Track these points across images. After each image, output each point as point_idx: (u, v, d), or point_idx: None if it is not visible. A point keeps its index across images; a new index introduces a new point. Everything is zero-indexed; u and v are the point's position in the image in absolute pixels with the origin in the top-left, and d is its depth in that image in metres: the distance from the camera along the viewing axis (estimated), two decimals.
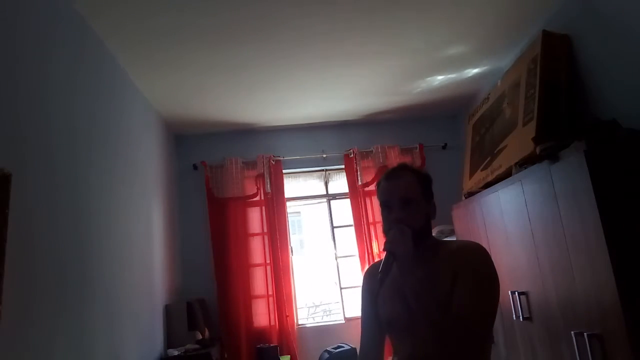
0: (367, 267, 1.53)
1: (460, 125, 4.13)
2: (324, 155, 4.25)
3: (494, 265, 1.33)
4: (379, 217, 4.14)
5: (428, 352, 1.29)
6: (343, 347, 3.65)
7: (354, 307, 4.03)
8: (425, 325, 1.26)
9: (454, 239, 3.40)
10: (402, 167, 1.43)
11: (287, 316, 3.90)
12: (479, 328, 1.25)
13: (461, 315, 1.22)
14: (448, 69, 3.41)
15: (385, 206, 1.39)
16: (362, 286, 1.57)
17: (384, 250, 1.31)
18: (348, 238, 4.28)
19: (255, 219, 4.11)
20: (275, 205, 4.10)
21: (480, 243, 2.99)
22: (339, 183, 4.43)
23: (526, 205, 2.28)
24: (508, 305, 2.51)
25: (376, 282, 1.34)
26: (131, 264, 2.67)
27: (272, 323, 3.91)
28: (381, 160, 4.18)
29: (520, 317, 2.40)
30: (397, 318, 1.37)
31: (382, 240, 4.27)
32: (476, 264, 1.31)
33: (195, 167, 4.13)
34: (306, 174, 4.41)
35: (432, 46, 3.02)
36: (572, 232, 1.91)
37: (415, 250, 1.29)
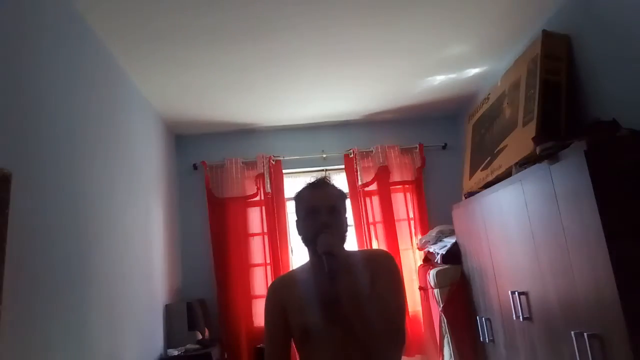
0: (277, 278, 1.62)
1: (460, 125, 4.13)
2: (324, 155, 4.25)
3: (399, 268, 1.55)
4: (379, 217, 4.16)
5: (348, 355, 1.37)
6: None
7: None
8: (349, 327, 1.34)
9: (454, 239, 3.40)
10: (326, 181, 1.56)
11: None
12: (399, 324, 1.40)
13: (384, 314, 1.34)
14: (448, 69, 3.41)
15: (311, 213, 1.46)
16: (270, 302, 1.55)
17: (321, 252, 1.38)
18: (348, 238, 4.27)
19: (255, 219, 4.11)
20: (275, 205, 4.10)
21: (480, 243, 3.00)
22: (339, 183, 4.41)
23: (526, 205, 2.28)
24: (508, 305, 2.51)
25: (291, 293, 1.48)
26: (131, 264, 2.67)
27: None
28: (381, 160, 4.18)
29: (520, 317, 2.40)
30: (317, 324, 1.40)
31: (383, 240, 4.24)
32: (388, 268, 1.47)
33: (195, 167, 4.13)
34: (306, 174, 4.41)
35: (432, 46, 3.02)
36: (572, 232, 1.91)
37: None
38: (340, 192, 1.53)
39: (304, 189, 1.54)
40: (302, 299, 1.46)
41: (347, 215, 1.54)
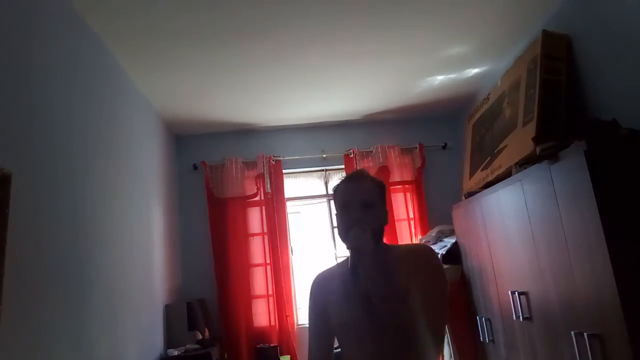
0: (319, 273, 1.58)
1: (460, 125, 4.13)
2: (324, 155, 4.25)
3: (442, 265, 1.49)
4: None
5: (386, 353, 1.34)
6: None
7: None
8: (385, 324, 1.32)
9: (454, 239, 3.40)
10: (362, 173, 1.50)
11: (287, 316, 3.90)
12: (437, 322, 1.36)
13: (421, 311, 1.30)
14: (448, 69, 3.41)
15: (344, 208, 1.43)
16: (312, 298, 1.56)
17: (348, 248, 1.36)
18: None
19: (255, 219, 4.11)
20: (275, 205, 4.09)
21: (480, 243, 3.00)
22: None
23: (526, 205, 2.28)
24: (508, 305, 2.51)
25: (332, 288, 1.44)
26: (131, 264, 2.67)
27: (272, 323, 3.91)
28: (381, 160, 4.18)
29: (520, 317, 2.40)
30: (355, 320, 1.39)
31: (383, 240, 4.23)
32: (428, 263, 1.42)
33: (195, 167, 4.13)
34: (306, 173, 4.41)
35: (432, 46, 3.02)
36: (572, 232, 1.91)
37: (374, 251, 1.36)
38: (375, 185, 1.46)
39: (340, 182, 1.50)
40: (339, 294, 1.43)
41: (385, 208, 1.48)
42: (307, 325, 1.56)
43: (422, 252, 1.48)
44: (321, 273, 1.60)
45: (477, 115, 3.48)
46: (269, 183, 4.09)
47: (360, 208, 1.39)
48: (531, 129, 2.45)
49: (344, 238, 1.40)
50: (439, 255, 3.42)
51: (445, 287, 1.44)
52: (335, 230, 4.34)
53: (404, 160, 4.26)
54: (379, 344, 1.35)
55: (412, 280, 1.34)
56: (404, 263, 1.39)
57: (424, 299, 1.31)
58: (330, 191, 4.42)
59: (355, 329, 1.39)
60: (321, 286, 1.55)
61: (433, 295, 1.35)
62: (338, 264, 1.59)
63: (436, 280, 1.40)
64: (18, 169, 1.47)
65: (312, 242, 4.21)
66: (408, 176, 4.23)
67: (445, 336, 3.23)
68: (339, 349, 1.50)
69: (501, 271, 2.63)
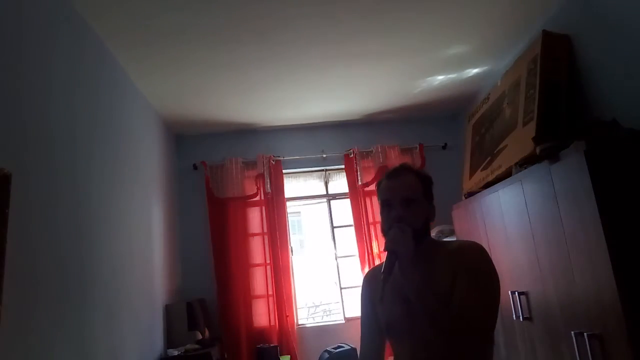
0: (366, 269, 1.53)
1: (460, 125, 4.13)
2: (324, 155, 4.25)
3: (493, 263, 1.35)
4: (378, 217, 4.12)
5: (429, 354, 1.28)
6: (343, 347, 3.65)
7: (354, 307, 4.03)
8: (426, 325, 1.25)
9: (454, 239, 3.40)
10: (405, 167, 1.43)
11: (287, 316, 3.90)
12: (479, 326, 1.25)
13: (462, 314, 1.22)
14: (448, 69, 3.41)
15: (385, 205, 1.39)
16: (362, 291, 1.56)
17: (385, 249, 1.31)
18: (348, 238, 4.28)
19: (255, 219, 4.11)
20: (275, 205, 4.10)
21: (481, 243, 2.99)
22: (339, 183, 4.43)
23: (526, 205, 2.28)
24: (508, 305, 2.51)
25: (378, 285, 1.33)
26: (131, 264, 2.67)
27: (272, 323, 3.91)
28: (381, 160, 4.18)
29: (520, 317, 2.40)
30: (397, 320, 1.36)
31: (382, 240, 4.27)
32: (475, 262, 1.32)
33: (195, 167, 4.13)
34: (306, 174, 4.41)
35: (432, 46, 3.02)
36: (572, 232, 1.91)
37: (415, 250, 1.29)
38: (417, 180, 1.39)
39: (383, 178, 1.45)
40: (386, 292, 1.36)
41: (431, 201, 1.41)
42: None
43: (468, 248, 1.38)
44: (373, 268, 1.59)
45: (477, 115, 3.48)
46: (269, 183, 4.10)
47: (401, 206, 1.34)
48: (531, 129, 2.45)
49: (385, 237, 1.35)
50: None
51: (493, 288, 1.33)
52: (335, 230, 4.35)
53: (404, 160, 4.25)
54: (420, 346, 1.30)
55: (456, 280, 1.27)
56: (449, 261, 1.32)
57: (467, 301, 1.23)
58: (331, 191, 4.43)
59: (395, 327, 1.37)
60: (369, 281, 1.54)
61: (477, 297, 1.25)
62: None
63: (482, 281, 1.30)
64: (18, 169, 1.47)
65: (312, 242, 4.21)
66: None
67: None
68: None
69: (501, 271, 2.61)
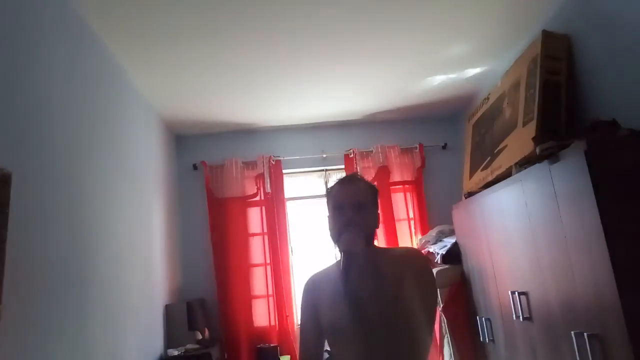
0: (313, 274, 1.60)
1: (460, 125, 4.13)
2: (324, 155, 4.25)
3: (432, 269, 1.50)
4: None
5: (376, 354, 1.34)
6: None
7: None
8: (376, 327, 1.32)
9: (454, 239, 3.40)
10: (355, 176, 1.54)
11: (287, 316, 3.90)
12: (426, 327, 1.37)
13: (412, 316, 1.32)
14: (448, 69, 3.41)
15: (337, 210, 1.44)
16: (304, 298, 1.58)
17: (341, 251, 1.37)
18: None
19: (255, 219, 4.11)
20: (275, 205, 4.10)
21: (480, 243, 2.99)
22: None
23: (526, 205, 2.28)
24: (508, 305, 2.51)
25: (324, 290, 1.45)
26: (131, 264, 2.67)
27: (272, 323, 3.91)
28: (381, 160, 4.18)
29: (520, 317, 2.40)
30: (345, 323, 1.39)
31: (383, 240, 4.25)
32: (420, 268, 1.44)
33: (195, 167, 4.13)
34: (306, 174, 4.41)
35: (432, 46, 3.02)
36: (572, 232, 1.91)
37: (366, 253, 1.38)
38: (369, 187, 1.49)
39: (333, 185, 1.52)
40: (331, 296, 1.44)
41: (378, 211, 1.50)
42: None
43: (413, 256, 1.50)
44: (314, 274, 1.62)
45: (477, 115, 3.48)
46: (269, 183, 4.10)
47: (353, 210, 1.41)
48: (531, 129, 2.45)
49: (336, 240, 1.42)
50: (439, 256, 3.42)
51: (435, 291, 1.47)
52: None
53: (404, 160, 4.26)
54: (369, 346, 1.36)
55: (402, 284, 1.36)
56: (394, 267, 1.41)
57: (413, 302, 1.33)
58: None
59: (346, 331, 1.40)
60: (314, 287, 1.57)
61: (422, 299, 1.37)
62: (331, 266, 1.59)
63: (426, 285, 1.42)
64: (18, 169, 1.47)
65: (312, 242, 4.21)
66: (408, 176, 4.23)
67: (445, 336, 3.23)
68: (329, 350, 1.51)
69: (501, 271, 2.63)
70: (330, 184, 1.54)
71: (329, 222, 1.48)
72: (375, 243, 1.54)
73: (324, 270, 1.61)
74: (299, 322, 1.58)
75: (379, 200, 1.52)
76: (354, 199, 1.42)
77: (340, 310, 1.40)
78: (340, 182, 1.51)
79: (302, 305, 1.57)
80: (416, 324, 1.33)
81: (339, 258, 1.49)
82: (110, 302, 2.29)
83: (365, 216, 1.42)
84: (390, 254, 1.51)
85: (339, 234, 1.39)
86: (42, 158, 1.75)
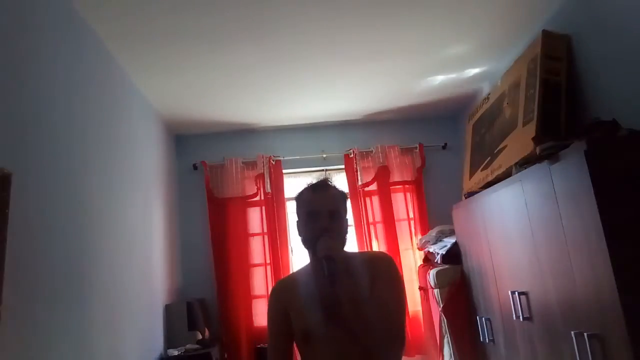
0: (280, 280, 1.62)
1: (460, 125, 4.13)
2: (324, 155, 4.25)
3: (399, 271, 1.55)
4: (379, 217, 4.16)
5: (350, 356, 1.37)
6: None
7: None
8: (354, 328, 1.35)
9: (454, 239, 3.40)
10: (328, 183, 1.56)
11: None
12: (399, 328, 1.42)
13: (384, 318, 1.36)
14: (448, 69, 3.41)
15: (311, 216, 1.46)
16: (271, 303, 1.58)
17: (321, 256, 1.39)
18: (348, 238, 4.27)
19: (255, 219, 4.11)
20: (275, 205, 4.10)
21: (480, 243, 2.99)
22: (339, 183, 4.41)
23: (526, 205, 2.28)
24: (508, 305, 2.51)
25: (294, 295, 1.49)
26: (131, 264, 2.67)
27: None
28: (381, 160, 4.18)
29: (520, 317, 2.40)
30: (318, 327, 1.41)
31: (383, 240, 4.24)
32: (388, 272, 1.48)
33: (195, 167, 4.13)
34: (306, 174, 4.41)
35: (432, 46, 3.02)
36: (572, 232, 1.90)
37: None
38: (341, 193, 1.53)
39: (304, 190, 1.54)
40: (303, 301, 1.47)
41: (347, 216, 1.54)
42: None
43: (380, 260, 1.54)
44: (282, 280, 1.67)
45: (477, 115, 3.48)
46: (269, 183, 4.10)
47: (328, 216, 1.44)
48: (531, 129, 2.45)
49: (311, 246, 1.44)
50: (439, 256, 3.42)
51: (403, 293, 1.52)
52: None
53: (404, 160, 4.26)
54: (346, 349, 1.38)
55: (372, 286, 1.41)
56: (365, 269, 1.45)
57: (383, 304, 1.38)
58: None
59: (322, 335, 1.41)
60: (283, 293, 1.57)
61: (391, 300, 1.41)
62: (299, 271, 1.61)
63: (394, 287, 1.46)
64: (18, 169, 1.47)
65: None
66: (408, 176, 4.23)
67: (445, 336, 3.23)
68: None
69: (501, 271, 2.63)
70: (299, 189, 1.57)
71: (300, 227, 1.51)
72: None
73: (292, 275, 1.65)
74: (267, 328, 1.58)
75: (347, 206, 1.57)
76: (329, 206, 1.46)
77: (315, 313, 1.42)
78: (313, 188, 1.53)
79: (271, 311, 1.57)
80: (389, 324, 1.37)
81: (307, 263, 1.54)
82: (111, 302, 2.29)
83: (339, 223, 1.47)
84: (360, 258, 1.56)
85: (314, 240, 1.42)
86: (42, 158, 1.75)
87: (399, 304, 1.45)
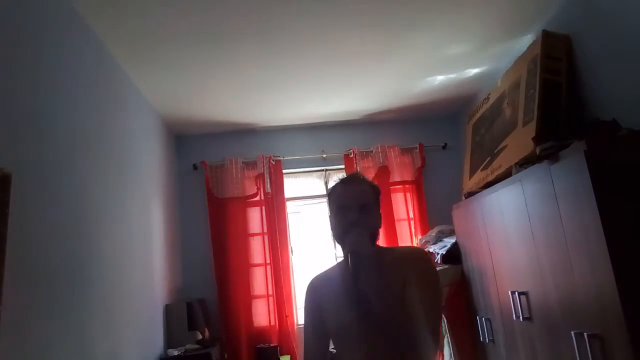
0: (316, 275, 1.59)
1: (460, 125, 4.13)
2: (324, 155, 4.25)
3: (436, 269, 1.48)
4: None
5: (383, 354, 1.34)
6: None
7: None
8: (382, 328, 1.31)
9: (454, 239, 3.40)
10: (359, 176, 1.52)
11: (287, 316, 3.89)
12: (431, 328, 1.34)
13: (416, 316, 1.30)
14: (448, 69, 3.41)
15: (341, 210, 1.43)
16: (307, 299, 1.57)
17: (347, 252, 1.36)
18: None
19: (255, 219, 4.11)
20: (275, 205, 4.10)
21: (480, 243, 2.99)
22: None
23: (526, 205, 2.28)
24: (508, 305, 2.51)
25: (328, 291, 1.45)
26: (131, 264, 2.67)
27: (272, 323, 3.91)
28: (381, 160, 4.18)
29: (520, 317, 2.40)
30: (350, 324, 1.39)
31: (383, 240, 4.26)
32: (424, 268, 1.42)
33: (195, 167, 4.13)
34: (306, 173, 4.41)
35: (432, 46, 3.02)
36: (572, 232, 1.91)
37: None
38: (372, 187, 1.48)
39: (336, 185, 1.50)
40: (335, 297, 1.44)
41: (379, 211, 1.49)
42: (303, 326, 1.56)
43: (417, 255, 1.48)
44: (318, 275, 1.61)
45: (477, 115, 3.48)
46: (269, 183, 4.09)
47: (357, 210, 1.39)
48: (531, 129, 2.45)
49: (340, 240, 1.41)
50: (439, 256, 3.42)
51: (439, 290, 1.44)
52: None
53: (404, 160, 4.26)
54: (374, 346, 1.35)
55: (407, 282, 1.35)
56: (399, 266, 1.40)
57: (419, 301, 1.32)
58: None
59: (352, 331, 1.39)
60: (317, 288, 1.56)
61: (428, 298, 1.35)
62: (333, 267, 1.59)
63: (431, 284, 1.40)
64: (18, 169, 1.47)
65: (312, 242, 4.21)
66: (408, 176, 4.23)
67: (445, 336, 3.23)
68: (334, 350, 1.50)
69: (501, 271, 2.63)
70: (332, 183, 1.53)
71: (332, 221, 1.48)
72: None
73: (326, 271, 1.60)
74: (304, 323, 1.57)
75: (380, 200, 1.51)
76: (358, 199, 1.41)
77: (346, 310, 1.40)
78: (343, 182, 1.49)
79: (305, 306, 1.57)
80: (421, 323, 1.31)
81: (340, 258, 1.49)
82: (111, 302, 2.29)
83: (369, 217, 1.41)
84: (394, 254, 1.49)
85: (343, 235, 1.38)
86: (42, 158, 1.75)
87: (432, 304, 1.37)
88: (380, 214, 1.48)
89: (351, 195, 1.43)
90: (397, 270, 1.38)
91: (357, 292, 1.36)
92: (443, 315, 3.20)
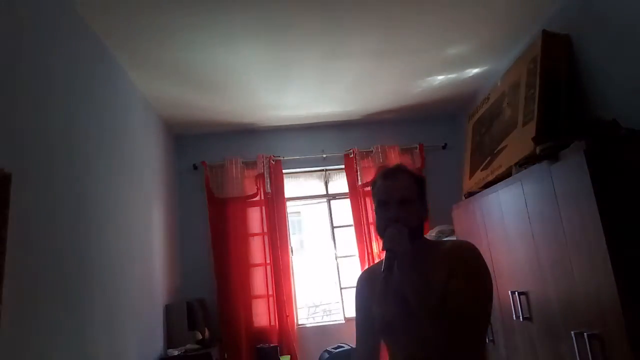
0: (366, 268, 1.53)
1: (460, 125, 4.13)
2: (324, 155, 4.25)
3: (485, 263, 1.35)
4: None
5: (426, 353, 1.29)
6: (343, 347, 3.65)
7: (354, 307, 4.03)
8: (424, 324, 1.26)
9: (454, 238, 3.40)
10: (401, 168, 1.44)
11: (287, 316, 3.90)
12: (476, 325, 1.28)
13: (460, 312, 1.23)
14: (448, 69, 3.41)
15: (381, 205, 1.39)
16: (357, 292, 1.56)
17: (384, 249, 1.31)
18: (348, 238, 4.28)
19: (255, 219, 4.11)
20: (275, 205, 4.10)
21: (481, 243, 2.99)
22: (339, 183, 4.43)
23: (526, 205, 2.27)
24: (508, 305, 2.51)
25: (375, 284, 1.37)
26: (131, 264, 2.67)
27: (272, 323, 3.91)
28: (381, 160, 4.18)
29: (520, 317, 2.40)
30: (395, 319, 1.36)
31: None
32: (470, 262, 1.33)
33: (195, 167, 4.13)
34: (306, 174, 4.41)
35: (432, 46, 3.02)
36: (572, 232, 1.90)
37: (411, 250, 1.30)
38: (413, 180, 1.40)
39: (377, 178, 1.45)
40: (379, 292, 1.42)
41: (425, 202, 1.42)
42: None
43: (464, 250, 1.37)
44: (366, 269, 1.59)
45: (477, 115, 3.48)
46: (269, 183, 4.10)
47: (396, 206, 1.35)
48: (531, 129, 2.45)
49: (380, 236, 1.37)
50: None
51: (487, 288, 1.32)
52: (335, 230, 4.35)
53: (404, 160, 4.26)
54: (417, 345, 1.31)
55: (451, 276, 1.28)
56: (444, 261, 1.33)
57: (462, 296, 1.24)
58: (331, 191, 4.43)
59: (393, 328, 1.37)
60: (364, 282, 1.54)
61: (474, 296, 1.27)
62: (381, 260, 1.52)
63: (476, 276, 1.30)
64: (18, 169, 1.47)
65: (312, 242, 4.21)
66: None
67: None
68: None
69: (501, 271, 2.63)
70: (377, 175, 1.46)
71: (375, 216, 1.43)
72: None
73: (375, 265, 1.58)
74: (355, 316, 1.56)
75: (426, 190, 1.44)
76: (397, 194, 1.36)
77: (385, 306, 1.38)
78: (383, 176, 1.42)
79: (356, 298, 1.55)
80: (466, 319, 1.23)
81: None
82: (111, 302, 2.29)
83: (410, 211, 1.35)
84: (440, 248, 1.40)
85: (382, 231, 1.35)
86: (42, 158, 1.75)
87: (478, 302, 1.27)
88: (426, 206, 1.42)
89: (390, 190, 1.38)
90: (441, 266, 1.31)
91: (393, 290, 1.33)
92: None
